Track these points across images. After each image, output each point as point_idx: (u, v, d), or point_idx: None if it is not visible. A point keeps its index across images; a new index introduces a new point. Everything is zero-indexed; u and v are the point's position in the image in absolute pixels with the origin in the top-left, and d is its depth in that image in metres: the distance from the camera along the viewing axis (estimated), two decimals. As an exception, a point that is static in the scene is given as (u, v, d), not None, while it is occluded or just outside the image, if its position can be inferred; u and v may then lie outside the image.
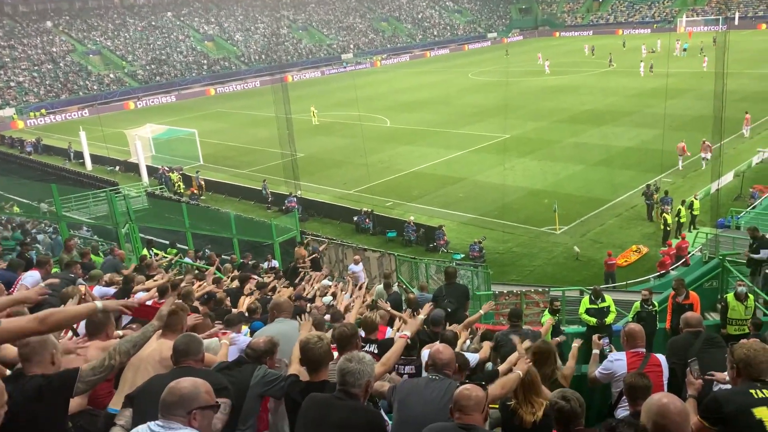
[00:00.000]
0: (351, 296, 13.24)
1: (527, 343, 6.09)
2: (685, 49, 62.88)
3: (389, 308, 8.17)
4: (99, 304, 4.25)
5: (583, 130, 38.92)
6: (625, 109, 43.30)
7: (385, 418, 4.68)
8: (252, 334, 7.06)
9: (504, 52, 79.52)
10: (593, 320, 11.37)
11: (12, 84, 64.60)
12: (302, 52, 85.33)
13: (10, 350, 4.22)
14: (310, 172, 34.18)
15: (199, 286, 10.82)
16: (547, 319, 11.34)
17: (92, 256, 13.57)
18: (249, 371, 4.73)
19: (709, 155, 29.17)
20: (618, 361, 5.61)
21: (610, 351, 6.22)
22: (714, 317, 12.45)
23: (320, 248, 20.60)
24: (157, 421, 3.29)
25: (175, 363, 4.47)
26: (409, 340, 5.58)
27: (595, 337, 6.31)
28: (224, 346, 5.74)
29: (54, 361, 3.99)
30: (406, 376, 6.22)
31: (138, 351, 4.21)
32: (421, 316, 6.88)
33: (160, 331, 5.13)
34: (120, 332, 5.90)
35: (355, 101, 49.10)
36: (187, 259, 18.75)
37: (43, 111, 61.00)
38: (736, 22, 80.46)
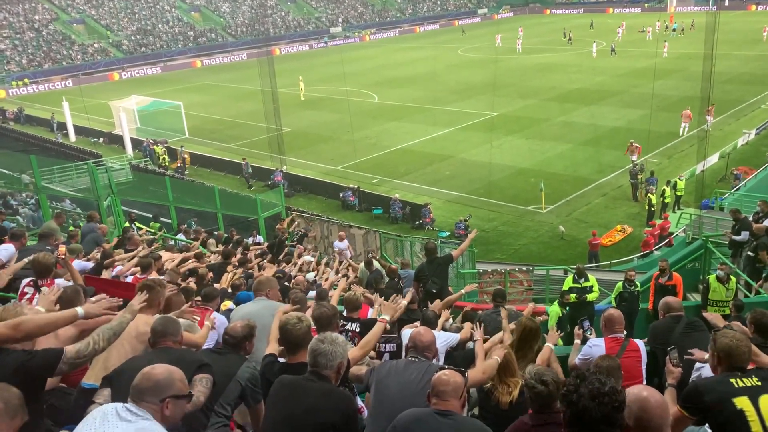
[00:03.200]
0: (336, 273, 13.21)
1: (512, 326, 6.07)
2: (674, 30, 62.53)
3: (369, 295, 8.07)
4: (80, 310, 4.20)
5: (572, 108, 38.83)
6: (613, 89, 43.23)
7: (358, 401, 4.62)
8: (237, 304, 7.00)
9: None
10: (573, 296, 11.40)
11: (-7, 52, 63.36)
12: (290, 25, 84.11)
13: None
14: (297, 147, 33.90)
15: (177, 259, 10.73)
16: (554, 310, 11.44)
17: (71, 228, 13.37)
18: (239, 362, 4.62)
19: (635, 157, 27.34)
20: (596, 347, 5.61)
21: (591, 334, 6.21)
22: (695, 298, 12.53)
23: (308, 227, 20.59)
24: (126, 404, 3.20)
25: (153, 344, 4.42)
26: (388, 325, 5.51)
27: (576, 328, 6.30)
28: (206, 328, 5.62)
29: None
30: (387, 355, 6.17)
31: (118, 338, 4.21)
32: (404, 302, 6.81)
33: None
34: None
35: (342, 76, 48.62)
36: (180, 236, 18.52)
37: (25, 80, 59.83)
38: (726, 3, 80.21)
